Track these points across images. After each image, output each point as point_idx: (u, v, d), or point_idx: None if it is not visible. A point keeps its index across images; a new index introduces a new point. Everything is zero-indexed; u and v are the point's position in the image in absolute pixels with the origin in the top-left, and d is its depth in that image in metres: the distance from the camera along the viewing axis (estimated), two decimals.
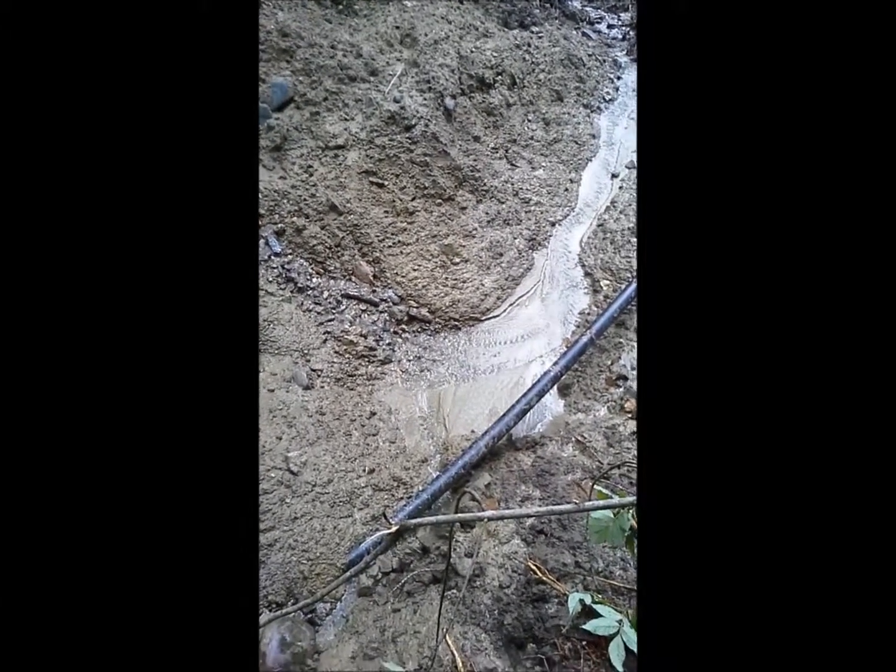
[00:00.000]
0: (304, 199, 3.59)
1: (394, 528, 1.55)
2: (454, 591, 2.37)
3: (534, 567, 2.20)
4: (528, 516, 2.22)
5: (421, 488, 2.91)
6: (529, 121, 4.59)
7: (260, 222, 3.54)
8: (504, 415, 3.02)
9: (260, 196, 3.55)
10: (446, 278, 3.77)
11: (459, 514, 1.52)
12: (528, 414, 3.10)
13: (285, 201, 3.58)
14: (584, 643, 1.91)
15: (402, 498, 2.95)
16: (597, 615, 1.81)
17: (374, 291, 3.65)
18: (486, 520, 1.50)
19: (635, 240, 3.90)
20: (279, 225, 3.56)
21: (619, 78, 5.41)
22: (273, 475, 2.76)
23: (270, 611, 2.48)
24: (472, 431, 3.20)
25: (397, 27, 4.31)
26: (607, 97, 5.21)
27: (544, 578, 2.15)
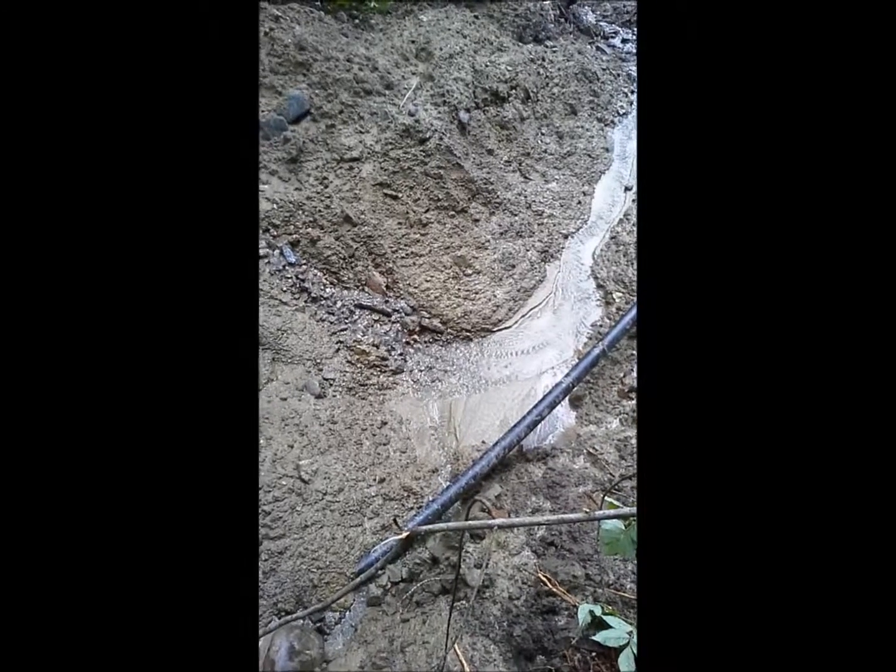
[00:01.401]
0: (319, 211, 3.63)
1: (404, 535, 1.55)
2: (463, 601, 2.37)
3: (544, 578, 2.19)
4: (538, 524, 2.21)
5: (431, 498, 2.91)
6: (543, 134, 4.62)
7: (275, 233, 3.59)
8: (515, 426, 3.02)
9: (275, 207, 3.60)
10: (458, 289, 3.79)
11: (469, 522, 1.52)
12: (540, 425, 3.10)
13: (300, 212, 3.62)
14: (593, 654, 1.89)
15: (412, 508, 2.96)
16: (607, 626, 1.80)
17: (386, 302, 3.67)
18: (495, 527, 1.50)
19: None
20: (294, 236, 3.60)
21: (632, 92, 5.43)
22: (284, 483, 2.77)
23: (280, 618, 2.48)
24: (483, 442, 3.20)
25: (413, 41, 4.37)
26: (621, 111, 5.24)
27: (554, 590, 2.14)
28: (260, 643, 2.42)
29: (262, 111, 3.74)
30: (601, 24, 6.08)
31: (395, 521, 1.65)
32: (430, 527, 1.72)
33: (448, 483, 2.99)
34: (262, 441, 2.88)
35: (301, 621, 2.51)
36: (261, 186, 3.60)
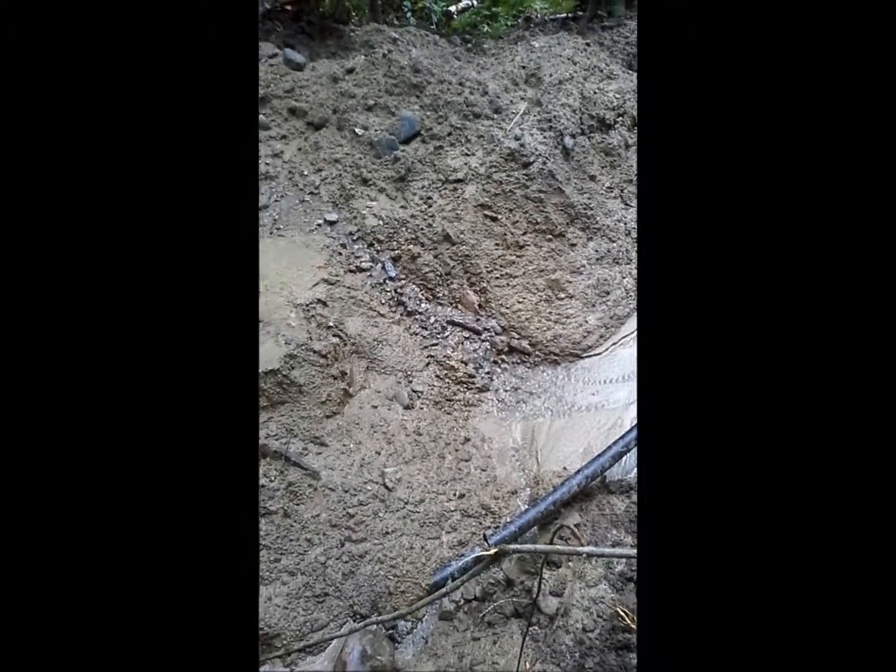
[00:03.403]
0: (422, 229, 3.75)
1: (492, 551, 1.58)
2: (535, 627, 2.36)
3: (622, 613, 2.16)
4: (628, 557, 2.18)
5: (509, 519, 2.92)
6: None
7: (379, 248, 3.74)
8: (599, 455, 2.98)
9: (381, 223, 3.75)
10: (550, 312, 3.80)
11: (556, 546, 1.53)
12: (626, 457, 3.04)
13: (404, 229, 3.76)
14: None
15: (489, 526, 2.97)
16: None
17: (478, 320, 3.73)
18: (584, 555, 1.50)
19: None
20: (396, 251, 3.74)
21: None
22: (370, 488, 2.87)
23: (355, 621, 2.56)
24: (565, 468, 3.17)
25: (523, 67, 4.44)
26: None
27: (632, 626, 2.10)
28: (334, 643, 2.52)
29: (376, 130, 3.92)
30: None
31: (484, 536, 1.68)
32: (519, 547, 1.74)
33: (527, 506, 2.99)
34: (351, 445, 3.00)
35: (374, 626, 2.58)
36: (369, 203, 3.77)
